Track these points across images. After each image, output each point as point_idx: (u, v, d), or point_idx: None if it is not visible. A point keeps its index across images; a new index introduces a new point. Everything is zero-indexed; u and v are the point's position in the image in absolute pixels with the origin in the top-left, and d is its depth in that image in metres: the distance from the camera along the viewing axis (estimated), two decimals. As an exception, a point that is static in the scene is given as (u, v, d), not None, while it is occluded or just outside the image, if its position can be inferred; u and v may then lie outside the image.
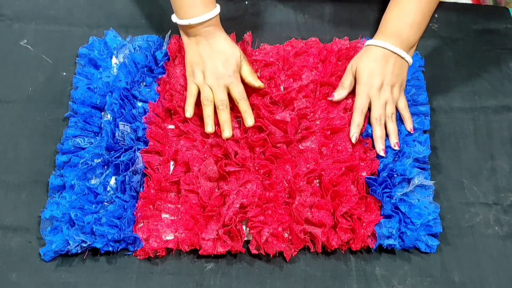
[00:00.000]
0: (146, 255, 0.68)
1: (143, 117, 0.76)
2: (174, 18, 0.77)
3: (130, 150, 0.73)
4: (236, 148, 0.73)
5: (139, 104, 0.79)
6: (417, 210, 0.69)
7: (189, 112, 0.75)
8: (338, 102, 0.77)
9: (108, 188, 0.71)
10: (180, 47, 0.83)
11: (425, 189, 0.71)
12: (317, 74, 0.80)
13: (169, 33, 0.85)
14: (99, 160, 0.72)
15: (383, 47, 0.76)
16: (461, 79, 0.84)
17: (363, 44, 0.84)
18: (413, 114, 0.78)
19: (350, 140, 0.74)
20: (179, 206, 0.70)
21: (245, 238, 0.69)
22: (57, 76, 0.82)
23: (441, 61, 0.86)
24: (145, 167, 0.72)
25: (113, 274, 0.67)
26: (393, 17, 0.78)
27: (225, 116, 0.74)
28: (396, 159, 0.74)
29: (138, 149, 0.73)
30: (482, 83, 0.83)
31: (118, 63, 0.82)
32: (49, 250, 0.67)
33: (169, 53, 0.83)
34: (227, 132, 0.73)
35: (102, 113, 0.78)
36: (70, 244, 0.66)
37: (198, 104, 0.76)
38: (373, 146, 0.74)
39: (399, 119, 0.77)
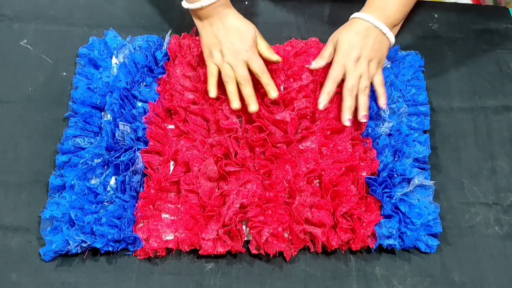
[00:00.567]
0: (146, 255, 0.68)
1: (143, 117, 0.76)
2: (184, 4, 0.77)
3: (130, 150, 0.73)
4: (236, 148, 0.73)
5: (139, 104, 0.78)
6: (417, 210, 0.69)
7: (212, 92, 0.75)
8: (337, 103, 0.77)
9: (108, 188, 0.71)
10: (180, 47, 0.83)
11: (425, 189, 0.71)
12: (317, 74, 0.80)
13: (169, 33, 0.85)
14: (99, 160, 0.72)
15: (366, 20, 0.76)
16: (461, 79, 0.84)
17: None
18: (413, 114, 0.78)
19: (350, 140, 0.74)
20: (179, 206, 0.70)
21: (245, 238, 0.69)
22: (57, 76, 0.82)
23: (441, 61, 0.86)
24: (145, 167, 0.72)
25: (113, 274, 0.67)
26: None
27: (248, 91, 0.74)
28: (396, 159, 0.74)
29: (138, 149, 0.73)
30: (482, 83, 0.83)
31: (118, 63, 0.82)
32: (49, 250, 0.67)
33: (169, 53, 0.83)
34: (253, 106, 0.74)
35: (102, 113, 0.78)
36: (70, 244, 0.66)
37: (197, 104, 0.77)
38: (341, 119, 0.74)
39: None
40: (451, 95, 0.82)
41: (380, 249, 0.69)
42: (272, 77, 0.80)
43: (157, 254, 0.68)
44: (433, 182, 0.72)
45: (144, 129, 0.75)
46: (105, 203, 0.70)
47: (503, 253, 0.70)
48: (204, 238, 0.67)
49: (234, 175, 0.72)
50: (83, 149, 0.73)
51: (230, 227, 0.67)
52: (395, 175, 0.72)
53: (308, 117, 0.76)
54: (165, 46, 0.83)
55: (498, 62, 0.86)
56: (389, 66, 0.82)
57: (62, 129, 0.76)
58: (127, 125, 0.74)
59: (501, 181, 0.75)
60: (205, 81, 0.79)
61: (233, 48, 0.74)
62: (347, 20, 0.79)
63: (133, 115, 0.76)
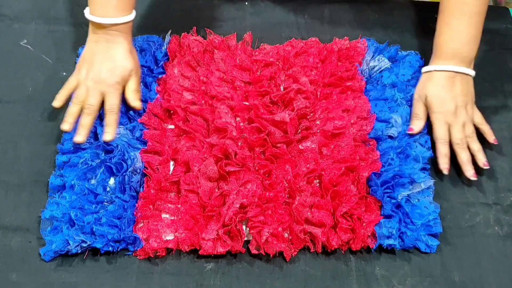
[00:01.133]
0: (146, 255, 0.68)
1: (138, 119, 0.76)
2: (86, 13, 0.75)
3: (120, 152, 0.72)
4: (236, 148, 0.73)
5: (139, 104, 0.78)
6: (417, 210, 0.69)
7: (57, 102, 0.74)
8: (338, 103, 0.77)
9: (108, 189, 0.71)
10: (180, 47, 0.83)
11: (425, 189, 0.71)
12: (317, 74, 0.80)
13: (169, 33, 0.85)
14: (99, 160, 0.72)
15: (446, 71, 0.75)
16: (461, 79, 0.84)
17: (363, 44, 0.84)
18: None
19: (350, 140, 0.74)
20: (179, 206, 0.70)
21: (245, 238, 0.69)
22: (57, 76, 0.82)
23: (441, 61, 0.85)
24: (145, 167, 0.72)
25: (113, 274, 0.67)
26: (447, 39, 0.76)
27: (87, 121, 0.73)
28: (400, 163, 0.73)
29: (138, 149, 0.73)
30: (482, 83, 0.83)
31: (118, 63, 0.82)
32: (49, 250, 0.67)
33: (168, 53, 0.83)
34: (79, 137, 0.72)
35: (102, 113, 0.78)
36: (70, 244, 0.66)
37: (196, 104, 0.76)
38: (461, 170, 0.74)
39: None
40: (451, 95, 0.82)
41: (380, 249, 0.69)
42: (272, 77, 0.80)
43: (157, 254, 0.68)
44: (433, 181, 0.72)
45: (141, 129, 0.75)
46: (105, 203, 0.70)
47: (503, 253, 0.70)
48: (204, 238, 0.67)
49: (234, 175, 0.72)
50: (83, 149, 0.73)
51: (230, 227, 0.67)
52: (398, 177, 0.71)
53: (308, 117, 0.76)
54: (165, 46, 0.83)
55: (498, 62, 0.86)
56: (389, 66, 0.82)
57: (62, 129, 0.76)
58: (120, 127, 0.74)
59: (501, 181, 0.75)
60: (204, 82, 0.79)
61: (98, 75, 0.74)
62: (347, 20, 0.79)
63: (129, 115, 0.76)
